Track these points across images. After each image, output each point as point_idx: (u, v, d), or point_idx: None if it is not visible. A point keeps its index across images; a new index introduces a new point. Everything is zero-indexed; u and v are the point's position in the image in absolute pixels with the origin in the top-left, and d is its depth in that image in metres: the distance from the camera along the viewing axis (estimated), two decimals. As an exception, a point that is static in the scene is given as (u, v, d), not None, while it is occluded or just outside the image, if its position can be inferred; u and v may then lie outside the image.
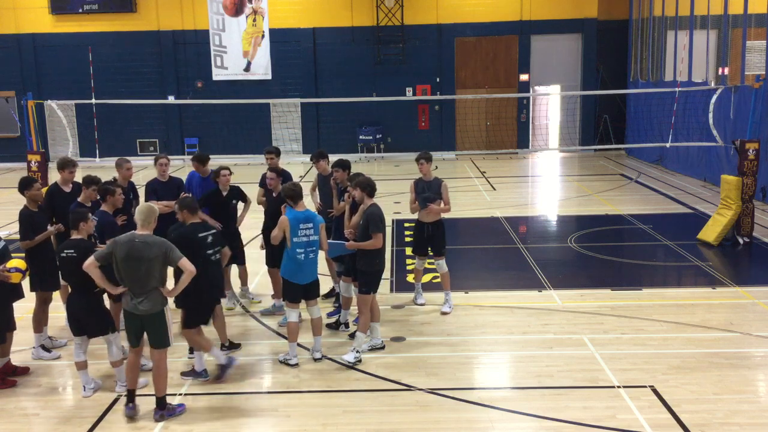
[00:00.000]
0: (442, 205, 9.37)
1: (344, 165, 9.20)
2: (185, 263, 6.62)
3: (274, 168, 9.57)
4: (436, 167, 24.02)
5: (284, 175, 9.51)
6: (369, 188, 8.01)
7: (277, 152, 9.95)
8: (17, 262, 7.45)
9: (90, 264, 6.61)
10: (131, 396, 6.80)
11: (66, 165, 8.86)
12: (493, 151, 25.98)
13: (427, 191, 9.33)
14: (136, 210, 6.89)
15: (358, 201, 8.13)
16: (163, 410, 6.75)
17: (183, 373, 7.64)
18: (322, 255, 8.73)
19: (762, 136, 14.86)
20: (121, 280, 6.63)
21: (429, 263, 11.91)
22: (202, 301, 7.45)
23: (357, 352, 7.93)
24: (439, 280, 11.05)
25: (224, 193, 9.37)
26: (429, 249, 9.67)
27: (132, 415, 6.74)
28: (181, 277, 6.69)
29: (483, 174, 22.40)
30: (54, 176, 9.29)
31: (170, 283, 6.80)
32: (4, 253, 7.43)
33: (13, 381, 7.57)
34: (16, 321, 7.76)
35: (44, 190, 9.01)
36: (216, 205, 9.33)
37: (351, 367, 7.81)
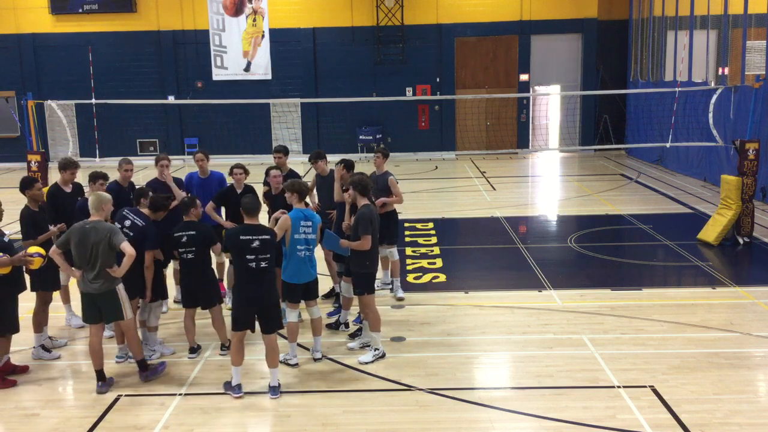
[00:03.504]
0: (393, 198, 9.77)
1: (348, 165, 9.25)
2: (125, 246, 7.12)
3: (280, 167, 9.59)
4: (436, 167, 24.08)
5: (291, 176, 9.52)
6: (360, 187, 7.98)
7: (285, 151, 9.93)
8: (38, 248, 7.66)
9: (53, 251, 7.28)
10: (100, 375, 7.34)
11: (68, 166, 8.89)
12: (493, 151, 25.98)
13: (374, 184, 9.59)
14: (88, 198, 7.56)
15: (352, 201, 8.13)
16: (146, 371, 7.47)
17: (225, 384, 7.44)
18: (321, 255, 8.75)
19: (762, 136, 14.86)
20: (77, 264, 7.22)
21: (429, 263, 11.96)
22: (183, 295, 8.16)
23: (376, 349, 7.96)
24: (439, 279, 11.10)
25: (239, 191, 9.38)
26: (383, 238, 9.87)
27: (104, 391, 7.29)
28: (123, 260, 7.17)
29: (483, 174, 22.40)
30: (54, 176, 9.30)
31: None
32: (10, 246, 7.44)
33: (13, 381, 7.58)
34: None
35: (45, 189, 9.02)
36: (231, 203, 9.33)
37: (351, 367, 7.82)
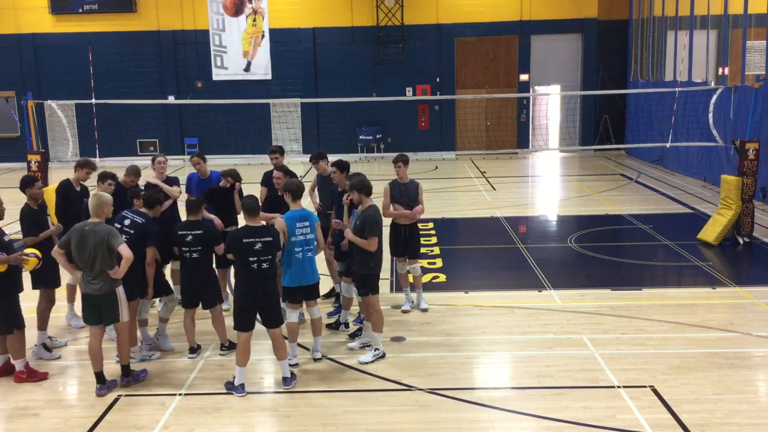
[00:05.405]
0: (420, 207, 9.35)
1: (342, 166, 9.10)
2: (123, 249, 7.07)
3: (280, 167, 9.57)
4: (436, 167, 24.08)
5: (290, 174, 9.51)
6: (365, 189, 7.96)
7: (281, 151, 9.94)
8: (34, 249, 7.68)
9: (55, 251, 7.32)
10: (100, 377, 7.32)
11: (85, 165, 8.96)
12: (493, 151, 25.99)
13: (405, 194, 9.25)
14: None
15: (356, 203, 8.11)
16: (128, 377, 7.43)
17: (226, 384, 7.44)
18: (321, 255, 8.74)
19: (762, 136, 14.85)
20: (77, 264, 7.22)
21: (429, 263, 11.95)
22: (184, 295, 8.14)
23: (376, 349, 7.96)
24: (439, 280, 11.10)
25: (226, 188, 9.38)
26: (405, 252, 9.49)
27: (103, 394, 7.26)
28: (121, 262, 7.15)
29: (483, 174, 22.40)
30: (54, 176, 9.30)
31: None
32: (9, 245, 7.44)
33: (44, 373, 7.73)
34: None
35: (45, 189, 9.02)
36: (218, 196, 9.34)
37: (351, 367, 7.82)
